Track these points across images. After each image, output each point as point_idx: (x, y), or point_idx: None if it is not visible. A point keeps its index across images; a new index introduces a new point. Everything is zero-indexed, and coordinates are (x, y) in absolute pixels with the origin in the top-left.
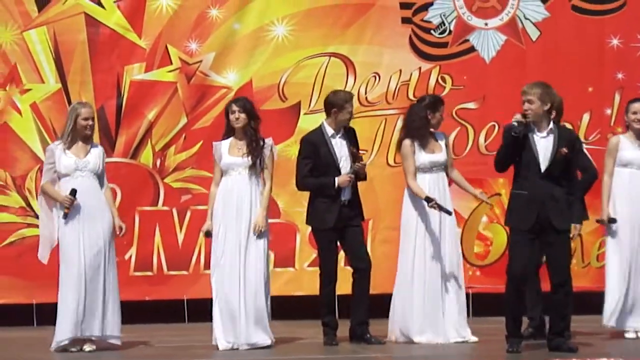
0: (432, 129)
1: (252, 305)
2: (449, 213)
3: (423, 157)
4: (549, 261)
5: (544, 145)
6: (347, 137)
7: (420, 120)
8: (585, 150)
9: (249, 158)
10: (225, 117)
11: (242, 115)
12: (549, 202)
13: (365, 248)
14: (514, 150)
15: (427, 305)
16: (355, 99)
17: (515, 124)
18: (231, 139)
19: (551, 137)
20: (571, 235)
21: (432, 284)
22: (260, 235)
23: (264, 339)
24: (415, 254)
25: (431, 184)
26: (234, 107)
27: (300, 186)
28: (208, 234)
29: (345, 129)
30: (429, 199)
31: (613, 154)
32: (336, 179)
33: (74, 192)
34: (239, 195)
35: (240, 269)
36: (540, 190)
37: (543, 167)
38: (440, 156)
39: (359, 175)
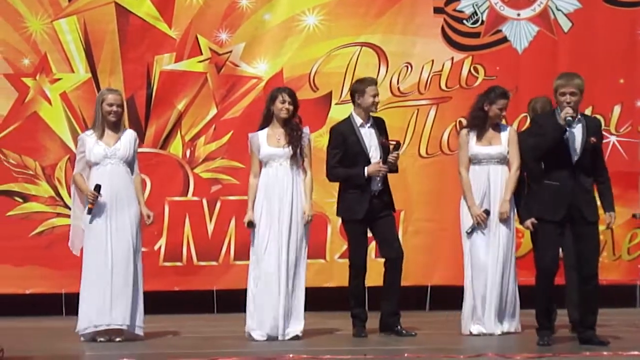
0: (495, 122)
1: (293, 296)
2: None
3: (474, 149)
4: (578, 254)
5: (573, 136)
6: (377, 127)
7: (477, 112)
8: None
9: (290, 148)
10: (268, 104)
11: (291, 107)
12: (580, 193)
13: (397, 237)
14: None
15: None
16: (387, 88)
17: (571, 119)
18: (267, 129)
19: (580, 127)
20: (608, 224)
21: (484, 276)
22: (304, 225)
23: (297, 329)
24: (476, 248)
25: (477, 177)
26: (286, 97)
27: (330, 176)
28: (251, 225)
29: (375, 119)
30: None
31: None
32: (366, 168)
33: (98, 187)
34: (282, 186)
35: (283, 260)
36: (572, 181)
37: (574, 158)
38: (494, 149)
39: (391, 167)
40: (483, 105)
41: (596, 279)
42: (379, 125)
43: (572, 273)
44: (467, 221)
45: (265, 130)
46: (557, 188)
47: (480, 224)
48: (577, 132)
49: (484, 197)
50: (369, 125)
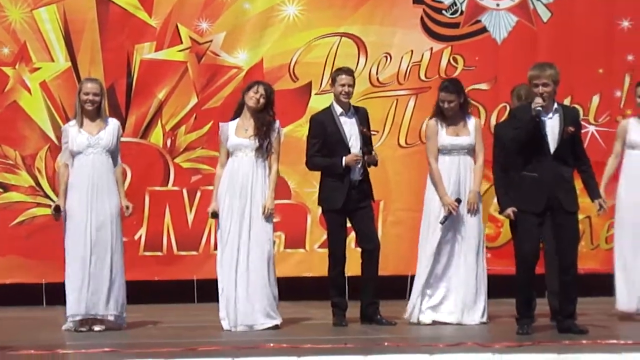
0: (463, 112)
1: (257, 287)
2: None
3: (444, 139)
4: (558, 243)
5: (551, 126)
6: (358, 116)
7: (436, 104)
8: None
9: (256, 140)
10: (243, 93)
11: (263, 101)
12: (559, 183)
13: (374, 228)
14: (530, 133)
15: (441, 286)
16: (366, 79)
17: (540, 108)
18: (238, 119)
19: (557, 117)
20: (599, 209)
21: (447, 266)
22: (267, 218)
23: (267, 320)
24: (436, 235)
25: (449, 167)
26: (261, 90)
27: (309, 165)
28: (215, 215)
29: (357, 108)
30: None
31: (621, 136)
32: (344, 158)
33: (57, 209)
34: (244, 177)
35: (242, 250)
36: (550, 172)
37: (552, 148)
38: (464, 140)
39: (370, 162)
40: (439, 99)
41: (575, 268)
42: (361, 115)
43: (552, 262)
44: (431, 211)
45: (236, 120)
46: (536, 179)
47: (452, 213)
48: (555, 122)
49: (457, 187)
50: (349, 114)
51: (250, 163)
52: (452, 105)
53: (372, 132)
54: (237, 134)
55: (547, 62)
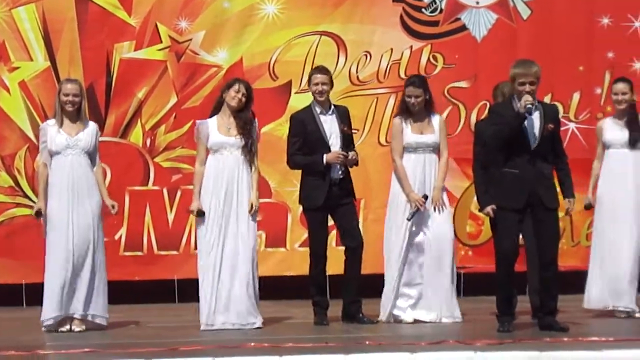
0: (428, 110)
1: (242, 286)
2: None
3: (409, 137)
4: (538, 240)
5: (531, 123)
6: (339, 115)
7: (402, 101)
8: None
9: (242, 138)
10: (222, 91)
11: (244, 99)
12: (540, 180)
13: (357, 226)
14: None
15: (413, 284)
16: (346, 77)
17: (531, 106)
18: (217, 117)
19: (537, 114)
20: (567, 210)
21: (418, 263)
22: (252, 216)
23: (249, 319)
24: (402, 233)
25: (415, 165)
26: (242, 88)
27: (290, 164)
28: (200, 213)
29: (338, 107)
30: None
31: (599, 137)
32: (325, 156)
33: (39, 214)
34: (231, 176)
35: (228, 249)
36: (531, 169)
37: (533, 145)
38: (429, 137)
39: (350, 162)
40: (405, 95)
41: (555, 265)
42: (342, 114)
43: (533, 260)
44: (395, 209)
45: (215, 118)
46: (517, 175)
47: (419, 209)
48: (535, 119)
49: (423, 185)
50: (329, 113)
51: (236, 161)
52: (419, 100)
53: (353, 131)
54: (220, 132)
55: (528, 59)
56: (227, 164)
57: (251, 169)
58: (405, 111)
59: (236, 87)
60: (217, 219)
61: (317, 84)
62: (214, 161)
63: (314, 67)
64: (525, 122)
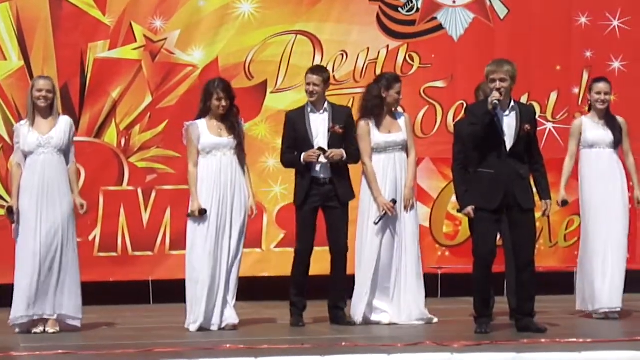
0: (392, 109)
1: (232, 287)
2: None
3: (378, 137)
4: (514, 241)
5: (507, 123)
6: (332, 115)
7: (374, 100)
8: None
9: (233, 138)
10: (204, 98)
11: (228, 102)
12: (515, 180)
13: (342, 231)
14: (488, 129)
15: (384, 286)
16: None
17: (497, 102)
18: (206, 118)
19: (514, 115)
20: (544, 211)
21: (389, 265)
22: (243, 217)
23: (235, 317)
24: (371, 236)
25: (385, 165)
26: (221, 94)
27: (282, 162)
28: (203, 212)
29: (335, 107)
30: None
31: (576, 135)
32: (303, 154)
33: (10, 211)
34: (225, 177)
35: (223, 251)
36: (507, 169)
37: (509, 146)
38: (397, 136)
39: (335, 159)
40: (380, 92)
41: (532, 266)
42: (337, 113)
43: (511, 261)
44: (367, 212)
45: (204, 120)
46: (492, 176)
47: (387, 214)
48: (511, 119)
49: (395, 184)
50: (321, 112)
51: (231, 162)
52: (401, 97)
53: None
54: (212, 133)
55: (503, 58)
56: (220, 165)
57: (244, 170)
58: (369, 113)
59: (216, 95)
60: (213, 220)
61: (308, 84)
62: (207, 163)
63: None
64: (500, 122)
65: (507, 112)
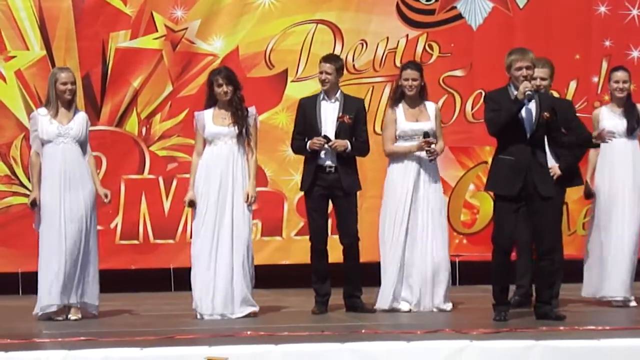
0: (419, 96)
1: (237, 275)
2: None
3: (404, 125)
4: (534, 229)
5: (528, 110)
6: (346, 105)
7: (396, 89)
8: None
9: (235, 127)
10: (208, 88)
11: (230, 88)
12: (535, 168)
13: (351, 222)
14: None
15: (409, 273)
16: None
17: (531, 92)
18: (213, 108)
19: (533, 102)
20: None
21: (414, 253)
22: (248, 206)
23: (245, 308)
24: (396, 225)
25: (413, 153)
26: (220, 80)
27: (292, 148)
28: (192, 204)
29: (348, 98)
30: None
31: (595, 126)
32: (308, 142)
33: (34, 203)
34: (224, 165)
35: (222, 238)
36: (526, 156)
37: (528, 133)
38: (424, 125)
39: (338, 149)
40: (399, 83)
41: (552, 254)
42: (348, 103)
43: (523, 247)
44: (391, 199)
45: (211, 109)
46: (512, 163)
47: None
48: (531, 106)
49: (417, 175)
50: (332, 101)
51: (230, 151)
52: (416, 83)
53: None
54: (215, 122)
55: (524, 47)
56: (221, 153)
57: (247, 157)
58: (400, 98)
59: (217, 82)
60: (209, 209)
61: (321, 72)
62: (209, 151)
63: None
64: (523, 110)
65: (534, 99)
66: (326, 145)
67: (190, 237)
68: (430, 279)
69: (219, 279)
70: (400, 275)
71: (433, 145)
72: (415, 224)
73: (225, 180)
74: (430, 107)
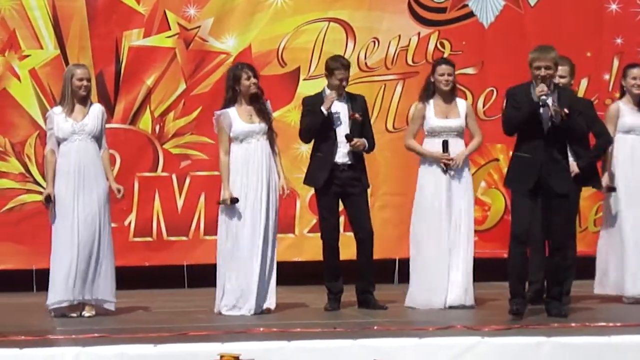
0: (450, 93)
1: (270, 274)
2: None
3: (433, 121)
4: (547, 225)
5: (546, 108)
6: (351, 102)
7: (426, 85)
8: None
9: (265, 123)
10: (232, 83)
11: (257, 80)
12: (550, 165)
13: (366, 216)
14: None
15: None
16: (354, 64)
17: (545, 96)
18: (236, 106)
19: (551, 100)
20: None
21: (441, 249)
22: (274, 201)
23: (271, 302)
24: (427, 219)
25: (438, 149)
26: (250, 72)
27: (302, 135)
28: (234, 201)
29: (352, 95)
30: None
31: (613, 120)
32: (322, 107)
33: (48, 199)
34: (259, 162)
35: (260, 236)
36: (542, 153)
37: (546, 130)
38: (453, 122)
39: (359, 148)
40: (430, 78)
41: (564, 251)
42: (355, 102)
43: (535, 243)
44: (422, 196)
45: (234, 107)
46: (528, 160)
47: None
48: (549, 103)
49: (447, 171)
50: (342, 99)
51: (263, 148)
52: (451, 79)
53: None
54: (243, 120)
55: (548, 45)
56: (256, 151)
57: (274, 152)
58: (431, 94)
59: (245, 75)
60: (248, 208)
61: (340, 79)
62: (241, 150)
63: (335, 58)
64: (541, 110)
65: (548, 102)
66: (348, 145)
67: (204, 234)
68: (458, 277)
69: (259, 275)
70: (430, 273)
71: (451, 162)
72: (447, 224)
73: (260, 177)
74: (461, 104)
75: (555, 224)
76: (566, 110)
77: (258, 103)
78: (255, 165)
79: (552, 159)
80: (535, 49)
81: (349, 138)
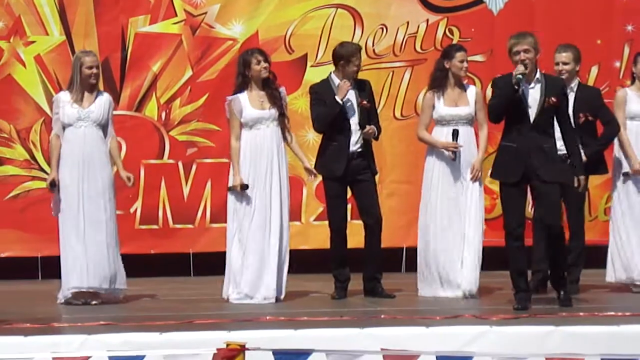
0: (461, 80)
1: (284, 261)
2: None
3: (442, 110)
4: (539, 213)
5: (532, 95)
6: (359, 88)
7: (437, 72)
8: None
9: (275, 109)
10: (242, 69)
11: (268, 65)
12: (536, 153)
13: (375, 202)
14: (511, 102)
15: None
16: (362, 51)
17: (521, 76)
18: (246, 92)
19: (539, 87)
20: (576, 188)
21: (450, 238)
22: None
23: (278, 292)
24: (436, 209)
25: (449, 138)
26: (260, 57)
27: (315, 125)
28: (245, 187)
29: (358, 81)
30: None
31: (621, 107)
32: (337, 97)
33: (52, 184)
34: (270, 148)
35: (273, 222)
36: (529, 142)
37: (532, 118)
38: (462, 110)
39: (371, 136)
40: (443, 64)
41: (561, 240)
42: (362, 87)
43: (537, 236)
44: (430, 184)
45: (244, 93)
46: (514, 149)
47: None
48: (536, 91)
49: (455, 157)
50: (351, 86)
51: (273, 134)
52: (467, 65)
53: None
54: (254, 106)
55: (526, 31)
56: (266, 137)
57: (289, 138)
58: (443, 83)
59: (255, 60)
60: (258, 194)
61: (357, 65)
62: (251, 136)
63: (346, 45)
64: (525, 94)
65: (532, 85)
66: (360, 132)
67: (210, 222)
68: (467, 266)
69: (271, 262)
70: (439, 263)
71: (460, 148)
72: (456, 214)
73: (270, 163)
74: (471, 91)
75: (544, 209)
76: (554, 99)
77: (270, 88)
78: (265, 152)
79: (539, 147)
80: (513, 36)
81: (361, 126)
